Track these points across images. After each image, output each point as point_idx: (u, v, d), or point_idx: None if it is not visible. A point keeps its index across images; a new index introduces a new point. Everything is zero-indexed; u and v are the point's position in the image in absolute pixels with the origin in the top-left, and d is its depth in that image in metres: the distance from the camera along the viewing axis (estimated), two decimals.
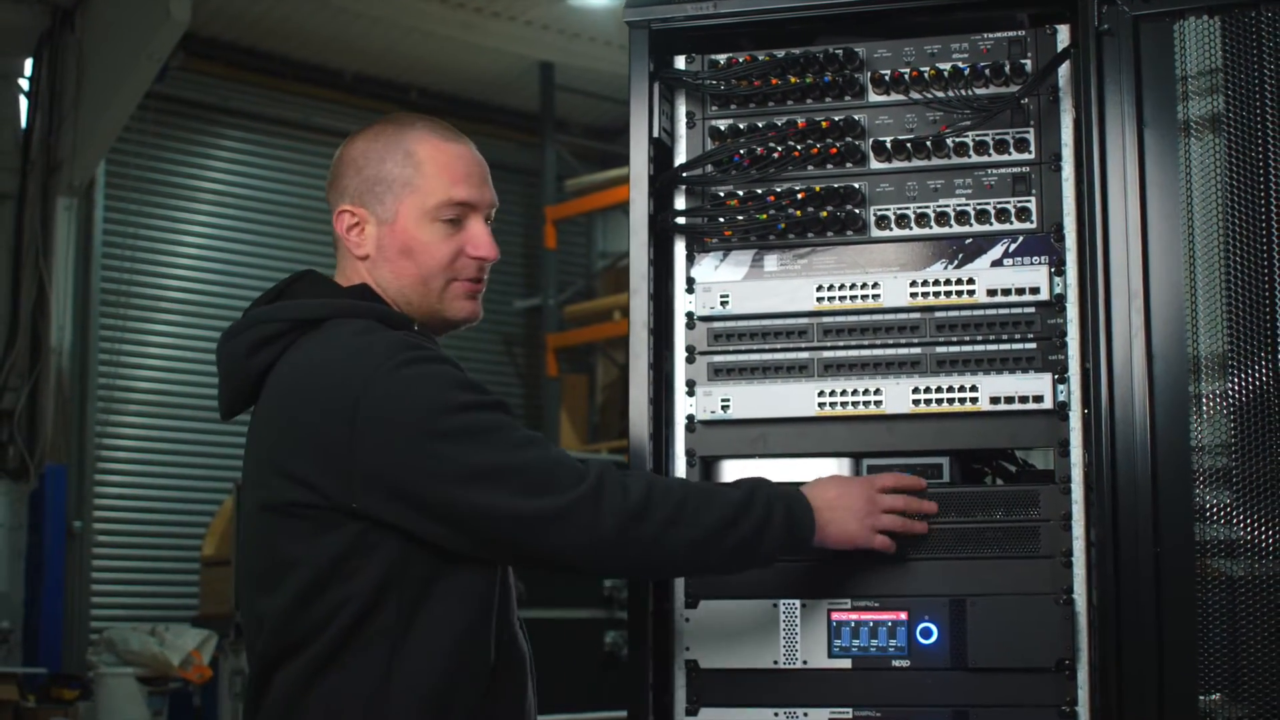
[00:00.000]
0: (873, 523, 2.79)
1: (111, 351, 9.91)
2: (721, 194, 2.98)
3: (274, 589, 2.63)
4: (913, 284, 2.87)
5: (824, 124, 2.93)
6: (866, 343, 2.90)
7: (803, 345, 2.92)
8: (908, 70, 2.90)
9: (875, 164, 2.93)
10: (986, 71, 2.87)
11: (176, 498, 10.31)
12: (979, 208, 2.87)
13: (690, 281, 2.99)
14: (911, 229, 2.90)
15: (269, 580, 2.65)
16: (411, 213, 2.80)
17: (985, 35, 2.90)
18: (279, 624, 2.62)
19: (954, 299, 2.86)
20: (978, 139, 2.88)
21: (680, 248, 3.00)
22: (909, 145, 2.90)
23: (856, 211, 2.91)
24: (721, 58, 3.00)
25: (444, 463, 2.55)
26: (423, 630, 2.60)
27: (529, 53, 10.86)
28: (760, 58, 2.97)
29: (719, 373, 2.96)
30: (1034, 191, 2.85)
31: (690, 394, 2.96)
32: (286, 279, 2.85)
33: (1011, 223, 2.86)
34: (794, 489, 2.75)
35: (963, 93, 2.87)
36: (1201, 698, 2.60)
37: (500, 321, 11.77)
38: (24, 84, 9.46)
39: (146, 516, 10.22)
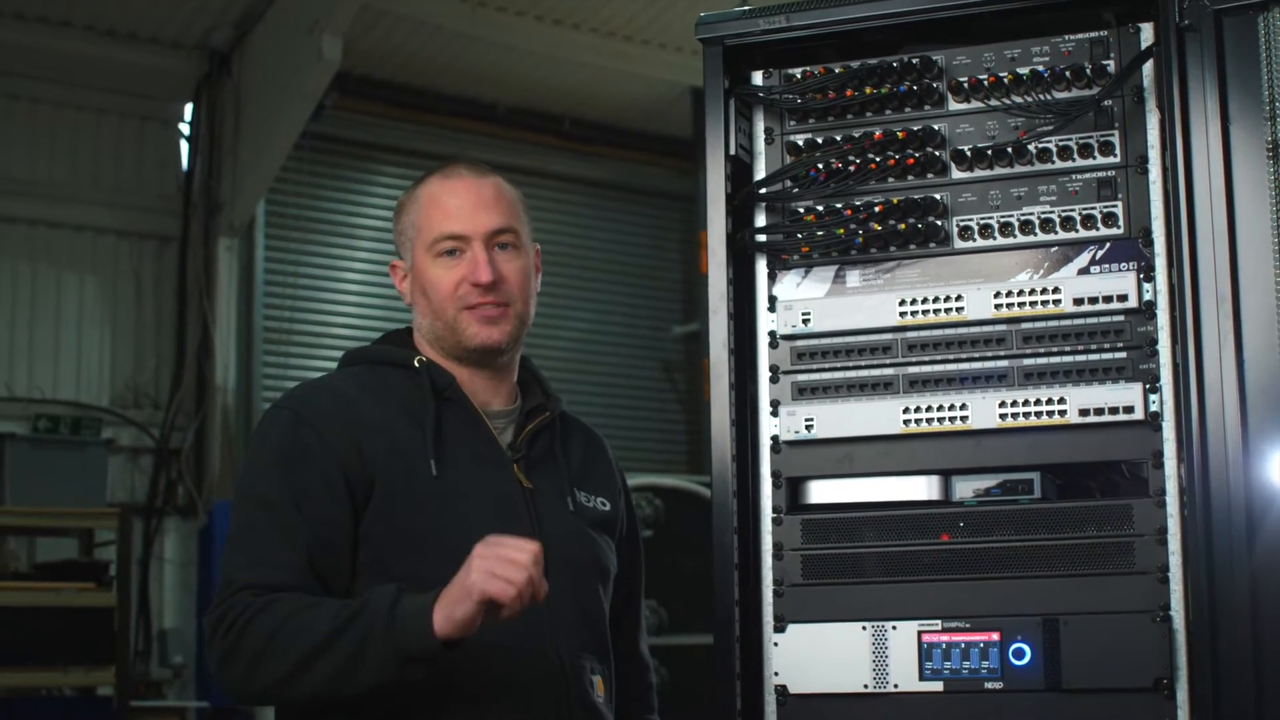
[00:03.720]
0: (484, 568, 2.56)
1: (275, 389, 10.03)
2: (801, 210, 2.92)
3: None
4: (997, 295, 2.79)
5: (900, 134, 2.85)
6: (951, 357, 2.82)
7: (887, 361, 2.85)
8: (986, 76, 2.81)
9: (956, 173, 2.85)
10: (1067, 74, 2.77)
11: None
12: (1064, 214, 2.78)
13: (772, 300, 2.93)
14: (995, 239, 2.82)
15: None
16: (420, 256, 2.98)
17: (1066, 37, 2.80)
18: None
19: (1040, 309, 2.76)
20: (1061, 144, 2.79)
21: (762, 266, 2.95)
22: (990, 153, 2.82)
23: (938, 223, 2.84)
24: (798, 71, 2.95)
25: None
26: None
27: (680, 79, 10.83)
28: (836, 70, 2.91)
29: (803, 392, 2.90)
30: (1120, 196, 2.75)
31: (774, 414, 2.91)
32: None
33: (1098, 229, 2.76)
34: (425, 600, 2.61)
35: (1043, 97, 2.78)
36: None
37: (661, 348, 11.76)
38: (184, 128, 9.71)
39: None
